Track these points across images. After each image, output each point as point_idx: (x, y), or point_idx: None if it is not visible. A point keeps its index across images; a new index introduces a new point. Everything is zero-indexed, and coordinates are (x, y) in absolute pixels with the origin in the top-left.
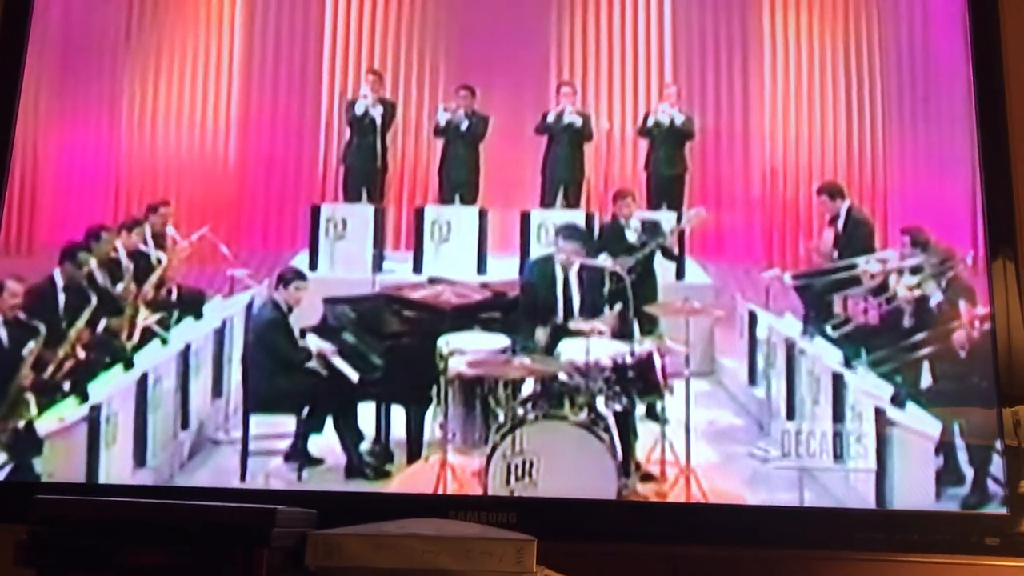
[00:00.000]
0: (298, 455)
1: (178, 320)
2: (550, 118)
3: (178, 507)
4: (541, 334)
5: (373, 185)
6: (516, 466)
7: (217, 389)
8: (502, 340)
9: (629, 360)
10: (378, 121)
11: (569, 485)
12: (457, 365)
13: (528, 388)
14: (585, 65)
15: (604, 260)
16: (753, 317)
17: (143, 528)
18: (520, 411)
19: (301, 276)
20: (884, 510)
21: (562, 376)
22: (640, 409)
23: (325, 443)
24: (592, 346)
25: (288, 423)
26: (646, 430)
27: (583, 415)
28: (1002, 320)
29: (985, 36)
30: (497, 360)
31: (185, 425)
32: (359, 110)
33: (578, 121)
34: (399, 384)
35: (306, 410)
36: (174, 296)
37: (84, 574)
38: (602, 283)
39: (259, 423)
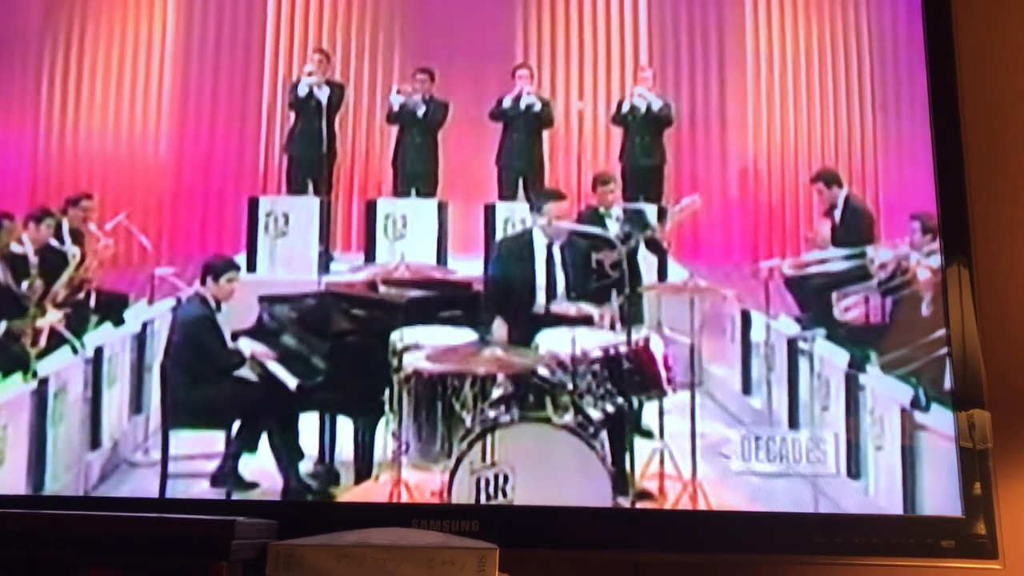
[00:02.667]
0: (227, 478)
1: (97, 326)
2: (506, 103)
3: (134, 520)
4: (499, 325)
5: (319, 176)
6: (486, 481)
7: (136, 403)
8: (467, 335)
9: (624, 350)
10: (324, 104)
11: (553, 504)
12: (414, 361)
13: (500, 387)
14: (554, 47)
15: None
16: (746, 319)
17: (96, 542)
18: (491, 413)
19: (232, 266)
20: (840, 514)
21: (542, 371)
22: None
23: (259, 464)
24: (578, 336)
25: (216, 440)
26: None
27: (568, 417)
28: (956, 326)
29: (938, 43)
30: (462, 352)
31: (96, 444)
32: (302, 91)
33: (537, 105)
34: (345, 390)
35: (237, 425)
36: (92, 301)
37: None
38: (589, 260)
39: (182, 440)
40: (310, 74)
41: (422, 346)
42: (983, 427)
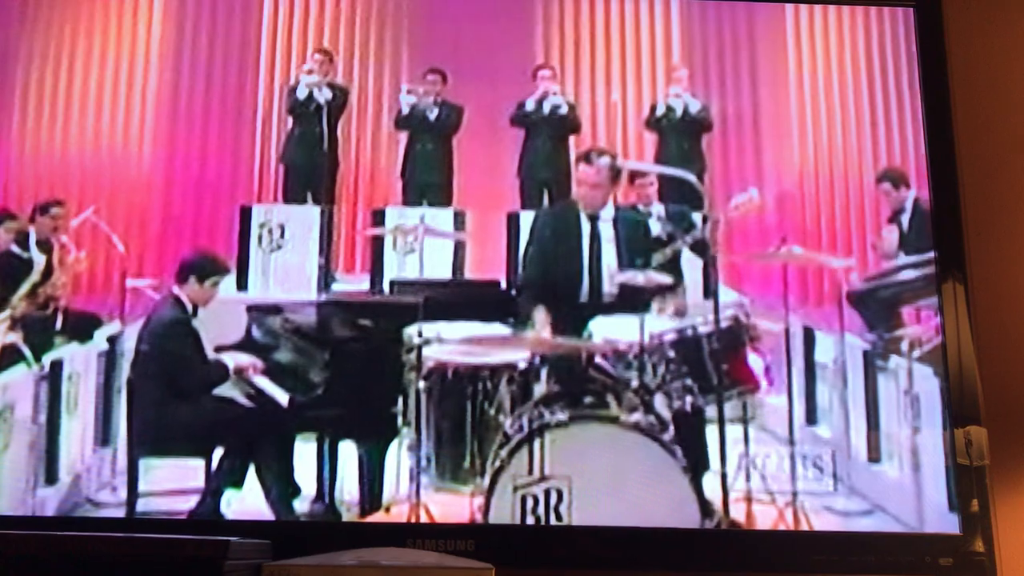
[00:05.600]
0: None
1: (64, 345)
2: (529, 105)
3: (124, 540)
4: (541, 316)
5: (319, 186)
6: (534, 500)
7: (104, 433)
8: (497, 330)
9: (703, 332)
10: (325, 108)
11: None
12: (436, 354)
13: (545, 384)
14: (578, 46)
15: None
16: (809, 338)
17: (86, 563)
18: (537, 412)
19: (220, 269)
20: (838, 532)
21: (599, 361)
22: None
23: (245, 503)
24: (647, 319)
25: (195, 472)
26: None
27: (638, 416)
28: (952, 341)
29: (931, 55)
30: (497, 340)
31: (52, 479)
32: (301, 94)
33: (563, 107)
34: (347, 406)
35: (219, 453)
36: (59, 322)
37: None
38: (647, 231)
39: (154, 473)
40: (310, 73)
41: (444, 340)
42: (980, 444)
